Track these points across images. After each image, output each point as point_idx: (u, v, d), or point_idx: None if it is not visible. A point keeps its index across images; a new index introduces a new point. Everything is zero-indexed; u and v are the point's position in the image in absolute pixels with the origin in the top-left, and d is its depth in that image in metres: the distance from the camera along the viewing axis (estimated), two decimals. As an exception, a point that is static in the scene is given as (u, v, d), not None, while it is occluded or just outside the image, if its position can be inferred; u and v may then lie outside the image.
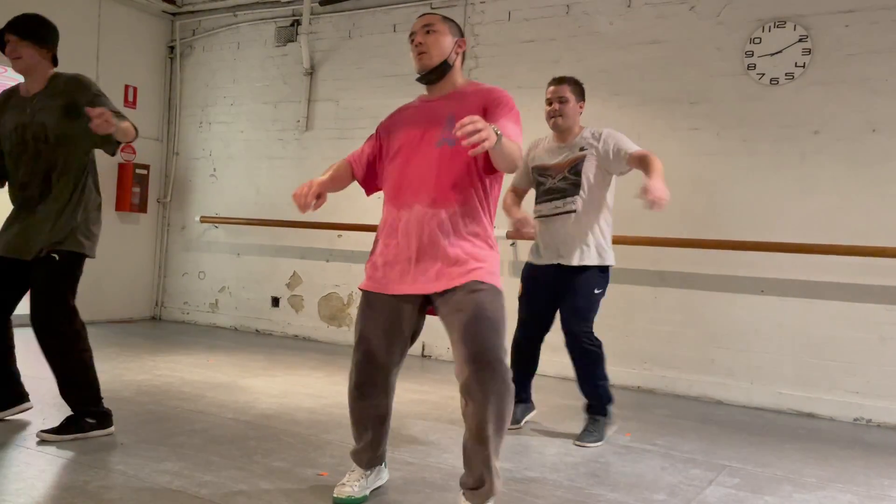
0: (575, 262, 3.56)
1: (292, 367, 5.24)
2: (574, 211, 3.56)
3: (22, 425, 3.25)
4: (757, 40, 4.91)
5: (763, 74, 4.89)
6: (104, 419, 3.20)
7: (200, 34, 7.35)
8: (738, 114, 4.96)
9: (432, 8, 6.10)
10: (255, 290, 6.95)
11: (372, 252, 2.54)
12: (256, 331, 6.92)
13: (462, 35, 2.59)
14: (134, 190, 7.03)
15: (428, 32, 2.49)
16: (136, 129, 3.08)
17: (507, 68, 5.67)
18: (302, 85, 6.74)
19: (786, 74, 4.82)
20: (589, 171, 3.56)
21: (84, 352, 3.12)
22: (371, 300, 2.49)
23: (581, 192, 3.56)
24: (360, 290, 2.52)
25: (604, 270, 3.62)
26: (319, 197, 2.51)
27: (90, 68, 6.67)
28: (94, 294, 6.82)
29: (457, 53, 2.53)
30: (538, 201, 3.69)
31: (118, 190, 7.01)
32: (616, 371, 5.16)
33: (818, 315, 4.68)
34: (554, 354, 5.32)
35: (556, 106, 3.61)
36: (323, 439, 3.37)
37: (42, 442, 3.00)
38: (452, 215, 2.38)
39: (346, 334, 6.44)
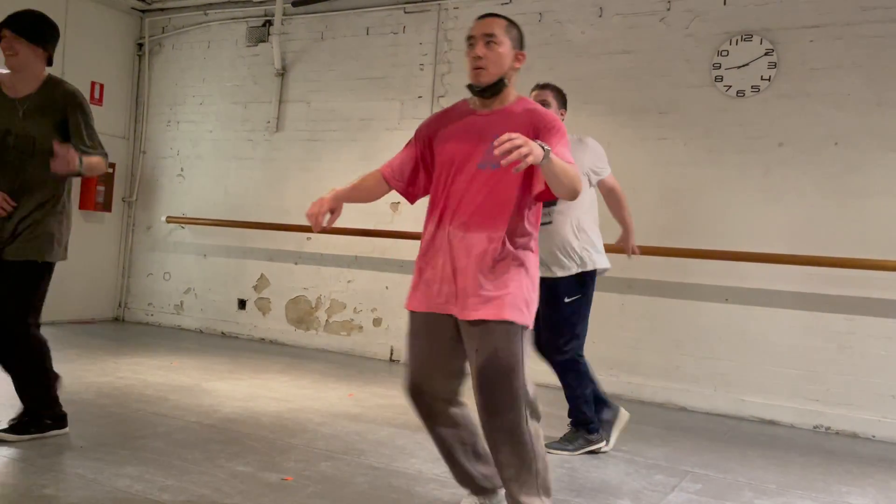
0: (558, 274, 3.48)
1: (258, 370, 5.18)
2: (550, 222, 3.47)
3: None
4: (724, 53, 4.99)
5: (730, 87, 4.97)
6: (61, 420, 3.13)
7: (170, 32, 7.26)
8: (705, 125, 5.04)
9: (406, 13, 6.10)
10: (221, 292, 6.87)
11: (416, 268, 2.43)
12: (222, 333, 6.84)
13: (523, 46, 2.39)
14: (98, 188, 6.90)
15: (488, 44, 2.29)
16: (106, 162, 3.09)
17: (480, 74, 5.67)
18: (273, 85, 6.69)
19: (752, 87, 4.91)
20: None
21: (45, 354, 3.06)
22: (414, 320, 2.39)
23: (557, 203, 3.47)
24: (406, 309, 2.43)
25: (581, 277, 3.52)
26: (334, 212, 2.38)
27: (56, 63, 6.50)
28: (56, 294, 6.61)
29: (514, 69, 2.35)
30: None
31: (82, 188, 6.87)
32: (583, 377, 5.20)
33: (780, 324, 4.77)
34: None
35: None
36: (288, 443, 3.34)
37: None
38: (487, 240, 2.25)
39: (314, 338, 6.40)
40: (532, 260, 2.34)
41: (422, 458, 3.26)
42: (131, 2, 7.13)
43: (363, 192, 2.49)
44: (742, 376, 4.85)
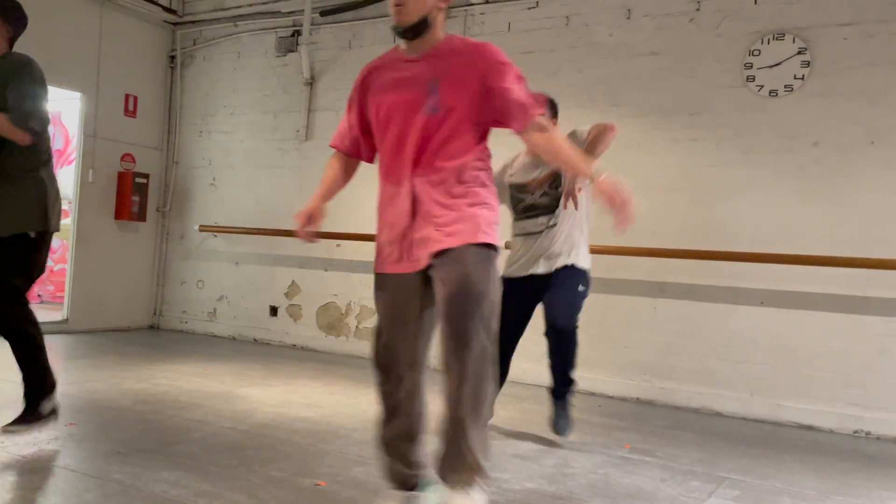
0: (557, 266, 3.61)
1: (290, 376, 5.22)
2: (555, 225, 3.61)
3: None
4: (756, 52, 4.93)
5: (762, 86, 4.90)
6: (52, 390, 3.13)
7: (201, 44, 7.37)
8: (738, 125, 4.98)
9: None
10: (253, 300, 6.94)
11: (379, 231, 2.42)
12: (255, 340, 6.91)
13: None
14: (133, 198, 7.02)
15: None
16: (16, 127, 2.88)
17: (507, 79, 5.67)
18: (302, 95, 6.76)
19: (785, 86, 4.84)
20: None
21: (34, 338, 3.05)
22: (379, 282, 2.38)
23: (561, 207, 3.58)
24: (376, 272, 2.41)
25: (584, 272, 3.66)
26: (313, 218, 2.41)
27: (91, 76, 6.68)
28: (92, 302, 6.82)
29: (439, 9, 2.30)
30: (519, 218, 3.72)
31: (118, 198, 7.01)
32: (615, 382, 5.16)
33: (818, 327, 4.68)
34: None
35: None
36: (321, 449, 3.36)
37: (7, 431, 3.00)
38: (445, 183, 2.26)
39: (345, 344, 6.43)
40: (490, 192, 2.34)
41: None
42: (163, 14, 7.26)
43: (340, 180, 2.53)
44: (779, 380, 4.76)
